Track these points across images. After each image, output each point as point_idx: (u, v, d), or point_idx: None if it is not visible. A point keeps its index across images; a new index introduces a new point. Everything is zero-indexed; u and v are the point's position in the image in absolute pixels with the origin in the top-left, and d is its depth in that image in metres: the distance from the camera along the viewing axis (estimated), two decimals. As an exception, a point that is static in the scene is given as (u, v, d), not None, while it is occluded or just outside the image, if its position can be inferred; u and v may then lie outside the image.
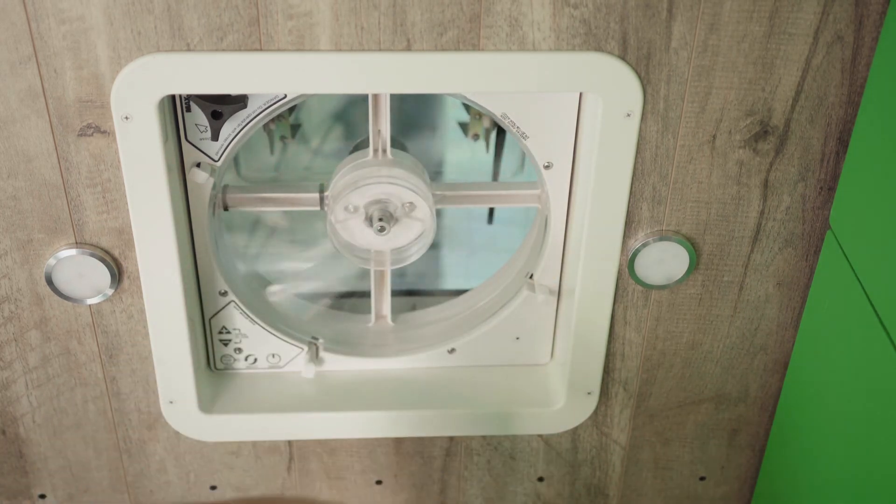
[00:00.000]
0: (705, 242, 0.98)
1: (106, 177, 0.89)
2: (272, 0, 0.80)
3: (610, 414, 1.11)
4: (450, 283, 1.28)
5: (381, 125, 0.98)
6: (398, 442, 1.13)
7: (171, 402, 1.04)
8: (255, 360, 1.09)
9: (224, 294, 1.04)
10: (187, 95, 0.90)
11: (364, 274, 1.12)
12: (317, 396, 1.09)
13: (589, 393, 1.08)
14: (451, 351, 1.11)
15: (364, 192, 0.97)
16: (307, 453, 1.13)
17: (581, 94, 0.92)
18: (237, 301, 1.04)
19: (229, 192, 1.01)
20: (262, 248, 1.17)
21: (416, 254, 1.02)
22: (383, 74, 0.83)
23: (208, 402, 1.07)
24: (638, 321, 1.03)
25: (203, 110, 0.91)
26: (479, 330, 1.09)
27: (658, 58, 0.85)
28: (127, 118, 0.84)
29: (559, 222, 1.01)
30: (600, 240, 0.95)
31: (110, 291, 0.96)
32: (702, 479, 1.19)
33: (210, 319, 1.06)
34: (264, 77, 0.83)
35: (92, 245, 0.93)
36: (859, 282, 0.88)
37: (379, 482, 1.18)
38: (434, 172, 1.11)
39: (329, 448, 1.13)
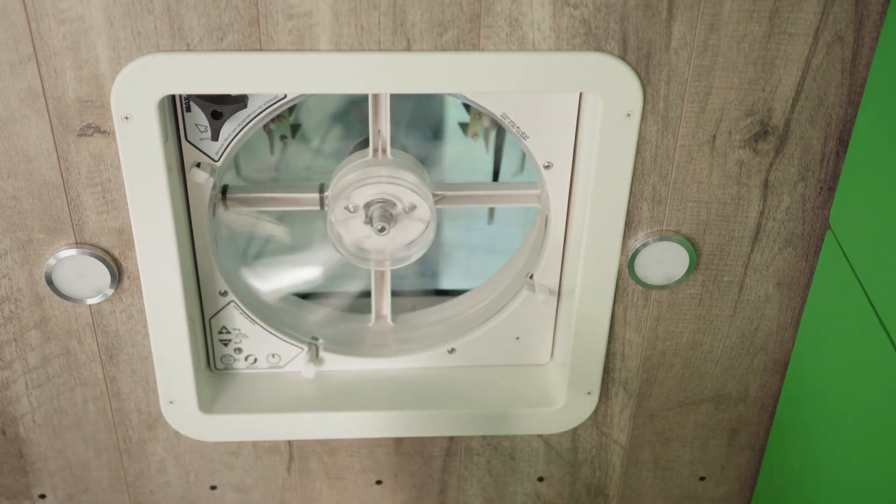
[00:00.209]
0: (705, 242, 0.98)
1: (106, 177, 0.89)
2: (272, 0, 0.80)
3: (610, 414, 1.11)
4: (450, 283, 1.28)
5: (381, 125, 0.98)
6: (398, 442, 1.13)
7: (171, 402, 1.04)
8: (255, 360, 1.09)
9: (224, 294, 1.04)
10: (187, 95, 0.90)
11: (364, 274, 1.12)
12: (317, 396, 1.09)
13: (589, 393, 1.08)
14: (451, 351, 1.11)
15: (364, 192, 0.97)
16: (307, 453, 1.13)
17: (581, 94, 0.92)
18: (237, 301, 1.04)
19: (229, 192, 1.01)
20: (262, 248, 1.17)
21: (416, 254, 1.02)
22: (383, 74, 0.83)
23: (208, 402, 1.07)
24: (638, 321, 1.03)
25: (203, 110, 0.91)
26: (479, 330, 1.09)
27: (658, 58, 0.85)
28: (127, 118, 0.84)
29: (559, 222, 1.01)
30: (600, 240, 0.95)
31: (110, 291, 0.96)
32: (702, 479, 1.19)
33: (210, 319, 1.06)
34: (264, 77, 0.83)
35: (92, 245, 0.93)
36: (859, 282, 0.88)
37: (379, 482, 1.18)
38: (434, 172, 1.11)
39: (329, 448, 1.13)
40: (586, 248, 0.96)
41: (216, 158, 0.94)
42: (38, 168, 0.88)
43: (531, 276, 1.06)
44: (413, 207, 0.98)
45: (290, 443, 1.12)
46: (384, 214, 0.97)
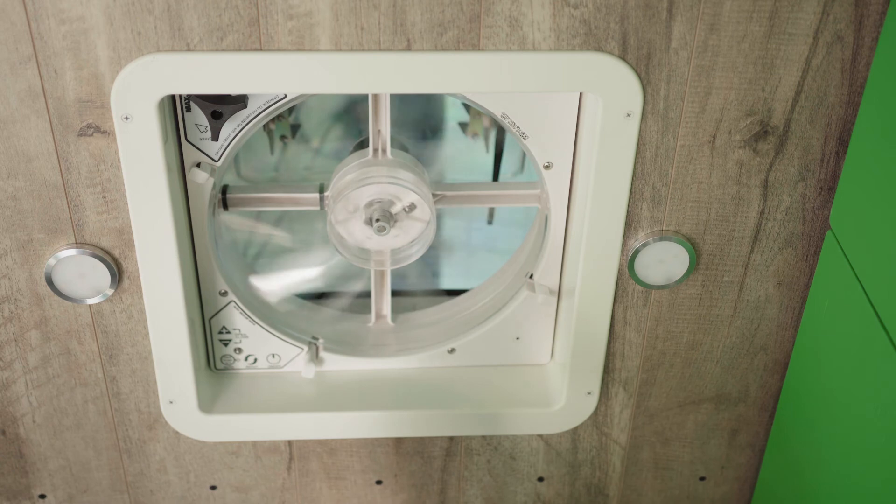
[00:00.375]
0: (705, 242, 0.98)
1: (106, 177, 0.89)
2: (272, 0, 0.80)
3: (610, 414, 1.11)
4: (450, 283, 1.28)
5: (381, 125, 0.98)
6: (398, 442, 1.13)
7: (171, 402, 1.04)
8: (255, 360, 1.09)
9: (224, 294, 1.04)
10: (187, 95, 0.90)
11: (364, 274, 1.12)
12: (317, 396, 1.09)
13: (589, 393, 1.08)
14: (451, 351, 1.11)
15: (364, 192, 0.97)
16: (307, 453, 1.13)
17: (581, 94, 0.92)
18: (237, 301, 1.04)
19: (229, 192, 1.01)
20: (263, 248, 1.17)
21: (416, 254, 1.02)
22: (383, 74, 0.83)
23: (208, 402, 1.07)
24: (638, 321, 1.03)
25: (203, 110, 0.91)
26: (479, 330, 1.09)
27: (658, 58, 0.85)
28: (127, 118, 0.84)
29: (559, 222, 1.01)
30: (600, 240, 0.95)
31: (110, 291, 0.96)
32: (702, 479, 1.19)
33: (210, 319, 1.06)
34: (264, 77, 0.83)
35: (92, 245, 0.93)
36: (859, 282, 0.88)
37: (379, 482, 1.18)
38: (434, 172, 1.11)
39: (329, 448, 1.13)
40: (586, 248, 0.96)
41: (216, 158, 0.94)
42: (38, 168, 0.88)
43: (531, 276, 1.06)
44: (413, 207, 0.98)
45: (290, 443, 1.12)
46: (384, 214, 0.97)
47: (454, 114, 1.14)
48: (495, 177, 1.20)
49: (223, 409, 1.07)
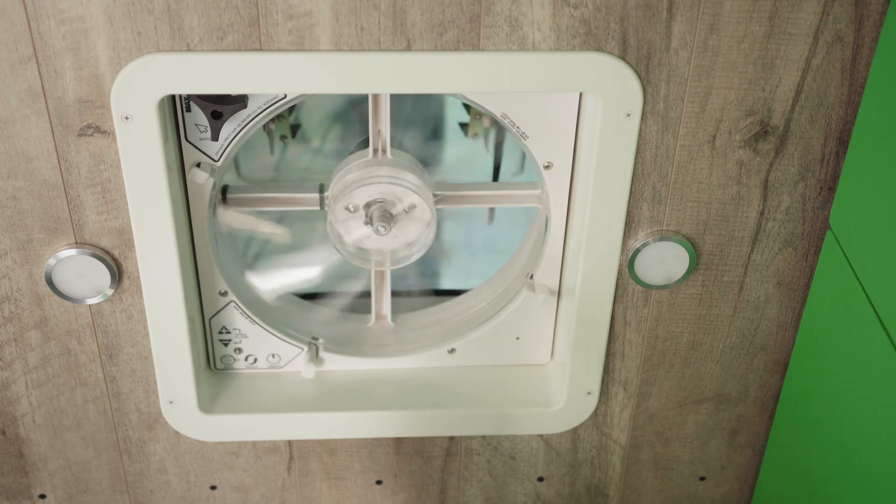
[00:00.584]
0: (705, 242, 0.98)
1: (106, 177, 0.89)
2: (272, 0, 0.80)
3: (610, 414, 1.11)
4: (450, 283, 1.28)
5: (381, 125, 0.98)
6: (398, 442, 1.13)
7: (171, 402, 1.04)
8: (255, 360, 1.09)
9: (224, 294, 1.04)
10: (187, 95, 0.90)
11: (364, 274, 1.12)
12: (317, 396, 1.09)
13: (589, 393, 1.08)
14: (451, 351, 1.11)
15: (364, 192, 0.97)
16: (307, 453, 1.13)
17: (581, 94, 0.92)
18: (237, 301, 1.04)
19: (229, 192, 1.01)
20: (262, 248, 1.17)
21: (416, 254, 1.02)
22: (383, 74, 0.83)
23: (208, 402, 1.07)
24: (638, 321, 1.03)
25: (203, 110, 0.91)
26: (479, 330, 1.09)
27: (658, 58, 0.85)
28: (127, 118, 0.84)
29: (559, 222, 1.01)
30: (600, 240, 0.95)
31: (110, 291, 0.96)
32: (702, 479, 1.19)
33: (210, 319, 1.06)
34: (264, 77, 0.83)
35: (92, 245, 0.93)
36: (859, 282, 0.88)
37: (379, 482, 1.18)
38: (434, 172, 1.11)
39: (329, 448, 1.13)
40: (586, 248, 0.96)
41: (216, 158, 0.94)
42: (38, 168, 0.88)
43: (531, 276, 1.06)
44: (413, 207, 0.98)
45: (290, 443, 1.12)
46: (384, 214, 0.97)
47: (454, 114, 1.15)
48: (495, 177, 1.20)
49: (223, 409, 1.07)
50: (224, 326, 1.06)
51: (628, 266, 0.98)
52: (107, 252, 0.94)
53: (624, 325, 1.03)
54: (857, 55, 0.86)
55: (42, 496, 1.14)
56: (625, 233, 0.96)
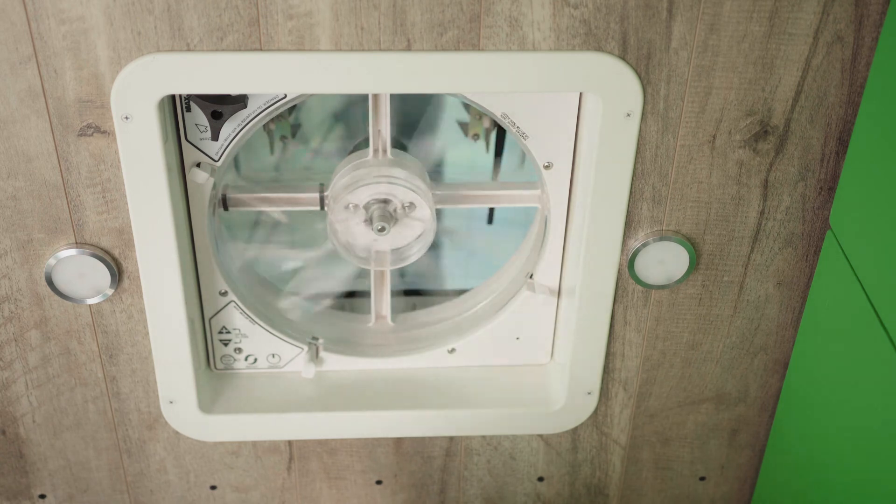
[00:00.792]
0: (705, 242, 0.98)
1: (106, 177, 0.89)
2: (272, 0, 0.80)
3: (610, 414, 1.11)
4: (450, 283, 1.28)
5: (381, 125, 0.98)
6: (398, 442, 1.13)
7: (171, 402, 1.04)
8: (255, 360, 1.09)
9: (224, 294, 1.04)
10: (187, 95, 0.90)
11: (364, 274, 1.12)
12: (317, 396, 1.09)
13: (589, 393, 1.08)
14: (451, 351, 1.11)
15: (364, 192, 0.97)
16: (307, 453, 1.13)
17: (581, 94, 0.92)
18: (237, 301, 1.04)
19: (229, 192, 1.01)
20: (262, 247, 1.17)
21: (416, 254, 1.02)
22: (383, 74, 0.83)
23: (208, 402, 1.07)
24: (638, 321, 1.03)
25: (203, 110, 0.91)
26: (479, 330, 1.09)
27: (658, 58, 0.85)
28: (127, 118, 0.84)
29: (559, 222, 1.01)
30: (600, 240, 0.95)
31: (110, 291, 0.96)
32: (702, 479, 1.19)
33: (210, 319, 1.06)
34: (264, 77, 0.83)
35: (92, 245, 0.93)
36: (859, 282, 0.88)
37: (379, 482, 1.18)
38: (434, 172, 1.11)
39: (329, 448, 1.13)
40: (586, 248, 0.96)
41: (216, 158, 0.94)
42: (38, 168, 0.88)
43: (531, 276, 1.06)
44: (413, 207, 0.98)
45: (290, 443, 1.12)
46: (384, 214, 0.97)
47: (454, 114, 1.14)
48: (495, 177, 1.20)
49: (223, 409, 1.07)
50: (224, 326, 1.06)
51: (628, 266, 0.98)
52: (107, 252, 0.94)
53: (624, 325, 1.03)
54: (857, 55, 0.86)
55: (42, 496, 1.14)
56: (625, 233, 0.96)
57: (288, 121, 1.10)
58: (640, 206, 0.94)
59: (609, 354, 1.05)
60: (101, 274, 0.94)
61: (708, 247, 0.98)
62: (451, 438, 1.14)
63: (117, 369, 1.03)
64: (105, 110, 0.85)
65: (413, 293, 1.23)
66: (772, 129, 0.90)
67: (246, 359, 1.09)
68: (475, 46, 0.83)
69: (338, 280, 1.14)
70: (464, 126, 1.13)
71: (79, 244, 0.93)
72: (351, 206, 0.98)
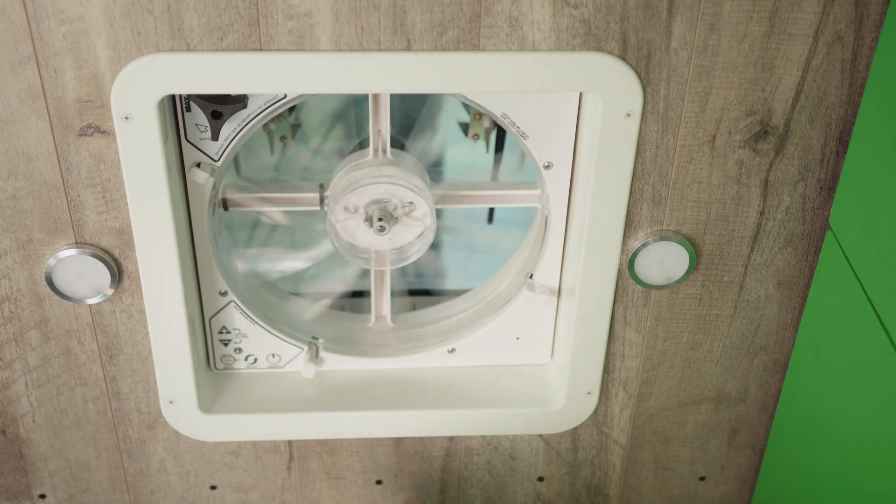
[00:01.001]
0: (705, 242, 0.98)
1: (106, 177, 0.89)
2: (272, 0, 0.80)
3: (610, 414, 1.11)
4: (450, 283, 1.28)
5: (381, 125, 0.98)
6: (398, 442, 1.13)
7: (171, 402, 1.04)
8: (255, 360, 1.09)
9: (224, 294, 1.04)
10: (187, 95, 0.90)
11: (364, 274, 1.12)
12: (317, 396, 1.09)
13: (589, 393, 1.08)
14: (451, 351, 1.11)
15: (364, 192, 0.97)
16: (307, 453, 1.13)
17: (581, 94, 0.92)
18: (237, 301, 1.04)
19: (229, 192, 1.01)
20: (263, 248, 1.17)
21: (416, 254, 1.02)
22: (383, 74, 0.83)
23: (208, 402, 1.07)
24: (638, 321, 1.03)
25: (203, 110, 0.91)
26: (479, 330, 1.09)
27: (658, 58, 0.85)
28: (127, 118, 0.84)
29: (559, 222, 1.01)
30: (600, 240, 0.95)
31: (110, 291, 0.96)
32: (702, 479, 1.19)
33: (210, 319, 1.06)
34: (264, 77, 0.83)
35: (92, 245, 0.93)
36: (859, 282, 0.88)
37: (379, 482, 1.18)
38: (434, 172, 1.11)
39: (329, 448, 1.13)
40: (586, 248, 0.96)
41: (216, 158, 0.94)
42: (38, 168, 0.88)
43: (531, 276, 1.06)
44: (413, 207, 0.98)
45: (290, 443, 1.12)
46: (384, 214, 0.97)
47: (454, 114, 1.14)
48: (495, 177, 1.20)
49: (223, 409, 1.07)
50: (224, 326, 1.06)
51: (628, 266, 0.98)
52: (107, 252, 0.94)
53: (624, 325, 1.03)
54: (857, 55, 0.86)
55: (42, 496, 1.14)
56: (625, 233, 0.96)
57: (288, 121, 1.10)
58: (640, 206, 0.94)
59: (609, 354, 1.05)
60: (101, 274, 0.94)
61: (708, 247, 0.98)
62: (451, 438, 1.14)
63: (117, 369, 1.03)
64: (105, 110, 0.85)
65: (413, 293, 1.23)
66: (772, 129, 0.90)
67: (246, 359, 1.09)
68: (475, 46, 0.83)
69: (338, 280, 1.14)
70: (464, 126, 1.13)
71: (79, 244, 0.93)
72: (351, 206, 0.98)
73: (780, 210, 0.96)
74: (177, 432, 1.08)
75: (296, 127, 1.12)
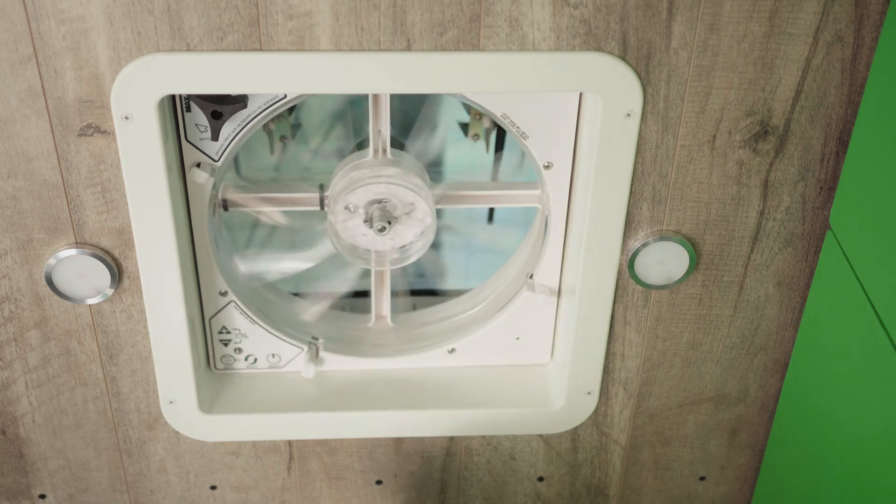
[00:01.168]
0: (705, 242, 0.98)
1: (106, 177, 0.89)
2: (272, 0, 0.80)
3: (610, 414, 1.11)
4: (450, 283, 1.28)
5: (381, 125, 0.98)
6: (398, 442, 1.13)
7: (171, 402, 1.04)
8: (255, 360, 1.09)
9: (224, 294, 1.04)
10: (187, 95, 0.90)
11: (364, 274, 1.12)
12: (317, 396, 1.09)
13: (589, 393, 1.08)
14: (451, 351, 1.11)
15: (364, 192, 0.97)
16: (307, 453, 1.13)
17: (581, 94, 0.92)
18: (237, 301, 1.04)
19: (229, 192, 1.01)
20: (263, 247, 1.17)
21: (416, 254, 1.02)
22: (383, 74, 0.83)
23: (208, 402, 1.07)
24: (638, 321, 1.03)
25: (203, 110, 0.91)
26: (479, 330, 1.09)
27: (658, 58, 0.85)
28: (127, 118, 0.84)
29: (559, 222, 1.01)
30: (600, 240, 0.95)
31: (110, 291, 0.96)
32: (702, 479, 1.19)
33: (210, 319, 1.06)
34: (264, 77, 0.83)
35: (92, 245, 0.93)
36: (859, 282, 0.88)
37: (379, 482, 1.18)
38: (434, 172, 1.11)
39: (329, 448, 1.13)
40: (586, 248, 0.96)
41: (216, 158, 0.94)
42: (38, 168, 0.88)
43: (531, 276, 1.06)
44: (413, 207, 0.98)
45: (290, 443, 1.12)
46: (384, 214, 0.97)
47: (454, 114, 1.14)
48: (495, 177, 1.20)
49: (223, 409, 1.07)
50: (224, 326, 1.06)
51: (628, 266, 0.98)
52: (107, 252, 0.94)
53: (624, 325, 1.03)
54: (857, 55, 0.86)
55: (42, 496, 1.14)
56: (625, 233, 0.96)
57: (288, 121, 1.10)
58: (640, 206, 0.94)
59: (609, 354, 1.05)
60: (101, 274, 0.94)
61: (708, 247, 0.98)
62: (451, 438, 1.14)
63: (117, 369, 1.03)
64: (105, 110, 0.85)
65: (413, 293, 1.23)
66: (772, 129, 0.90)
67: (246, 359, 1.09)
68: (475, 46, 0.83)
69: (339, 280, 1.14)
70: (464, 126, 1.13)
71: (79, 244, 0.93)
72: (351, 206, 0.98)
73: (780, 210, 0.96)
74: (177, 432, 1.08)
75: (296, 127, 1.12)
